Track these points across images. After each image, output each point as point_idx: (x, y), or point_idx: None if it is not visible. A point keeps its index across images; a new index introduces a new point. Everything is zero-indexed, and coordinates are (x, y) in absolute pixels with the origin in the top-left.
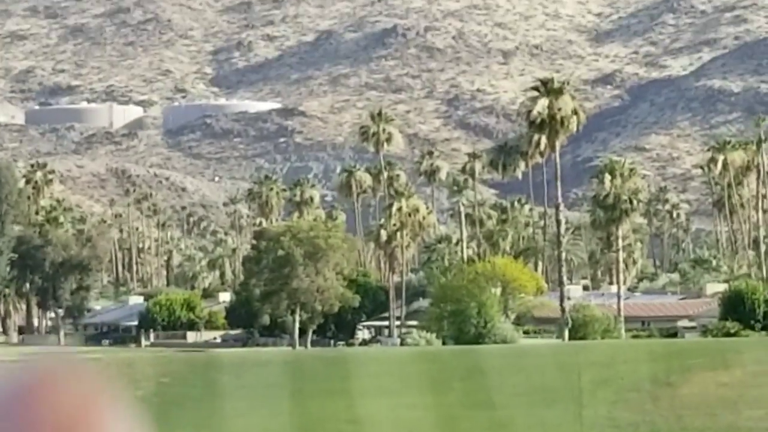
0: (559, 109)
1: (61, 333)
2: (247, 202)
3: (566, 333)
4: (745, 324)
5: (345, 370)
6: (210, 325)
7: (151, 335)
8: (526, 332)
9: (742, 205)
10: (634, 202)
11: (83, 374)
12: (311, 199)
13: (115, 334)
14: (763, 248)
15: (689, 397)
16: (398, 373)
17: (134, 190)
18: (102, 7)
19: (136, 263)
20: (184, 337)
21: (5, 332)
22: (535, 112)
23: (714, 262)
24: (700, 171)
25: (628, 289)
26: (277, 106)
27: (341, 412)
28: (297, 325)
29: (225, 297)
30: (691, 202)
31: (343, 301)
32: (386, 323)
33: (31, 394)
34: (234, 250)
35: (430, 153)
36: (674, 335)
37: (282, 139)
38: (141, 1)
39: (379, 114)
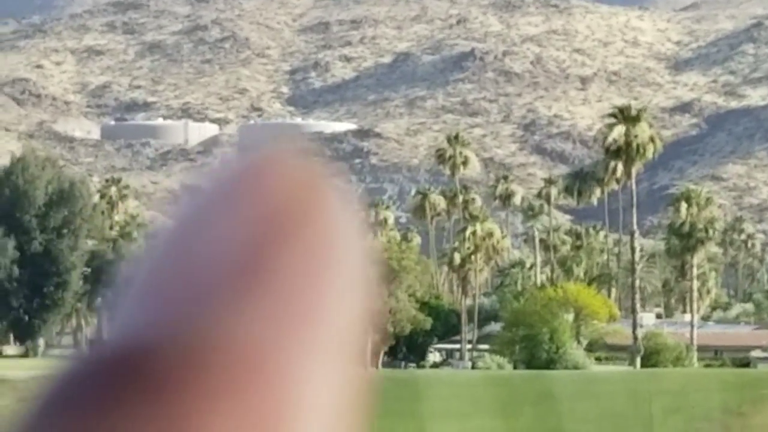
0: (636, 137)
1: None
2: None
3: (638, 360)
4: None
5: (415, 392)
6: None
7: None
8: (597, 359)
9: None
10: (710, 231)
11: (308, 164)
12: (385, 220)
13: None
14: None
15: (761, 427)
16: (468, 397)
17: None
18: (179, 25)
19: None
20: None
21: (76, 345)
22: (611, 139)
23: None
24: None
25: (702, 318)
26: (353, 127)
27: None
28: (368, 346)
29: None
30: (767, 232)
31: (414, 324)
32: (458, 346)
33: (254, 175)
34: None
35: (506, 177)
36: (747, 365)
37: (357, 160)
38: (219, 19)
39: (456, 137)
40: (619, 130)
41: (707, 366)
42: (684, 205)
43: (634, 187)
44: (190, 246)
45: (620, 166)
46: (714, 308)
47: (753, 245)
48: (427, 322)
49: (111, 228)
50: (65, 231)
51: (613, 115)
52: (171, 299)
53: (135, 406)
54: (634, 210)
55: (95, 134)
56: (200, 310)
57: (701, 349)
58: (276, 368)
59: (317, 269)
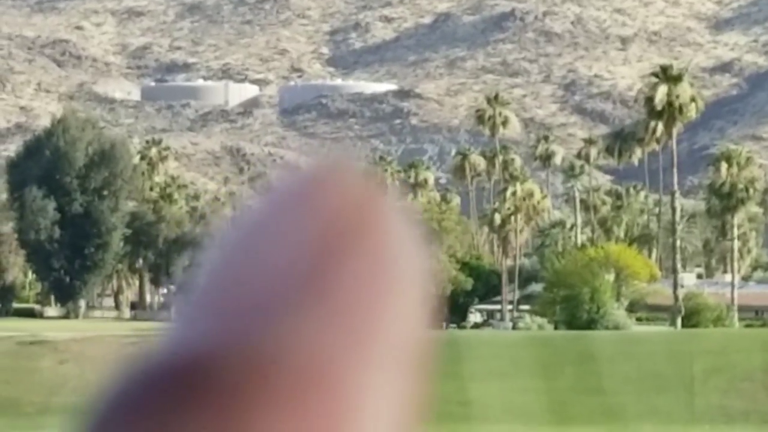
0: (678, 97)
1: (173, 309)
2: None
3: (679, 321)
4: None
5: (456, 352)
6: None
7: None
8: (638, 319)
9: None
10: (751, 190)
11: (367, 177)
12: (425, 181)
13: None
14: None
15: None
16: (509, 357)
17: (248, 169)
18: None
19: None
20: None
21: (118, 307)
22: (657, 99)
23: None
24: None
25: (742, 278)
26: (393, 87)
27: (452, 395)
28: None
29: None
30: None
31: (455, 284)
32: (498, 307)
33: (315, 187)
34: None
35: (546, 138)
36: None
37: (397, 121)
38: None
39: (496, 97)
40: (663, 90)
41: (748, 326)
42: (724, 165)
43: (674, 147)
44: (254, 257)
45: (661, 126)
46: (755, 268)
47: None
48: (468, 283)
49: (151, 189)
50: (106, 192)
51: (655, 74)
52: (234, 309)
53: (197, 416)
54: (675, 170)
55: (135, 95)
56: (263, 321)
57: (742, 309)
58: (338, 379)
59: (379, 281)
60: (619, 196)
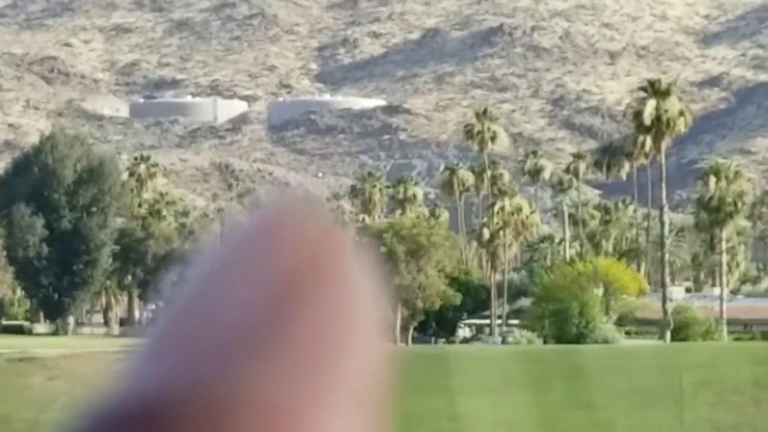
0: (666, 111)
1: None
2: (350, 198)
3: (668, 334)
4: None
5: (446, 367)
6: None
7: None
8: (627, 333)
9: None
10: (739, 204)
11: (325, 218)
12: (414, 196)
13: None
14: None
15: None
16: (499, 372)
17: (237, 185)
18: (208, 2)
19: None
20: None
21: (107, 324)
22: (647, 113)
23: None
24: None
25: (731, 292)
26: (381, 103)
27: (442, 410)
28: (398, 322)
29: None
30: None
31: (444, 299)
32: (487, 321)
33: (272, 231)
34: None
35: (535, 152)
36: None
37: (386, 137)
38: None
39: (484, 112)
40: (651, 104)
41: (737, 339)
42: (713, 179)
43: (663, 161)
44: (211, 301)
45: (649, 140)
46: (743, 282)
47: None
48: (457, 298)
49: (140, 206)
50: (94, 209)
51: (643, 88)
52: (191, 353)
53: None
54: (663, 184)
55: (124, 112)
56: (220, 366)
57: (731, 322)
58: (295, 424)
59: (335, 324)
60: (607, 211)
